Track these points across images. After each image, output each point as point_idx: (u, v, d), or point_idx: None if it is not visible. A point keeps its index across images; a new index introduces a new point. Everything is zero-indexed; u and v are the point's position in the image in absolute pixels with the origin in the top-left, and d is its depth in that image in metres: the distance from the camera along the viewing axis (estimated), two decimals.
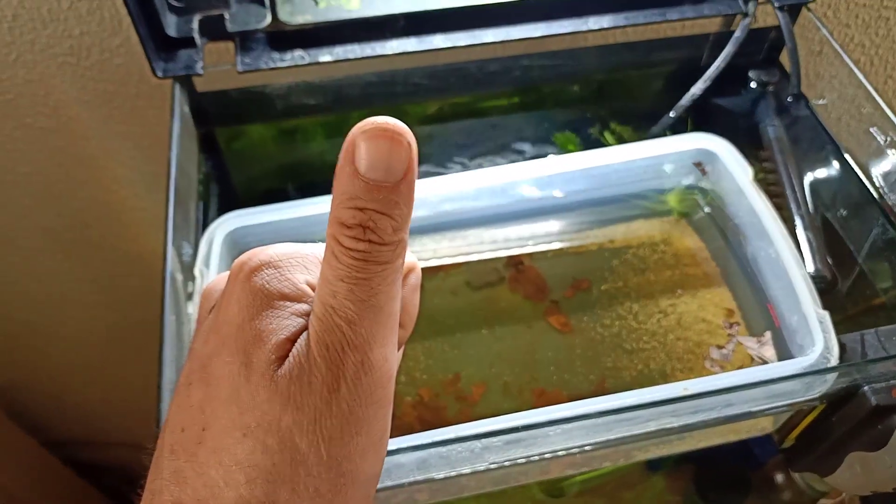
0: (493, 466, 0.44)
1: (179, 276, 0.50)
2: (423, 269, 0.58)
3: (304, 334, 0.24)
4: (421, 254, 0.59)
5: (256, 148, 0.66)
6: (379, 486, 0.43)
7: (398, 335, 0.26)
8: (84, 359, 1.11)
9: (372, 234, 0.23)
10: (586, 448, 0.45)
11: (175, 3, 0.55)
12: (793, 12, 0.65)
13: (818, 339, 0.47)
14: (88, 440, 1.30)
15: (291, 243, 0.26)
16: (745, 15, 0.63)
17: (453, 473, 0.43)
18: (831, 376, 0.46)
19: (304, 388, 0.23)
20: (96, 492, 1.30)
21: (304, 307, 0.24)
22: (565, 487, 0.70)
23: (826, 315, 0.49)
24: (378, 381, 0.24)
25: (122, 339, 1.07)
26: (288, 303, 0.24)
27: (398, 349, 0.28)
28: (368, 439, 0.24)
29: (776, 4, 0.63)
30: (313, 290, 0.25)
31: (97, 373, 1.14)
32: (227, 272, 0.26)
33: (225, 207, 0.57)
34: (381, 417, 0.24)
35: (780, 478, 0.81)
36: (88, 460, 1.29)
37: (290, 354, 0.23)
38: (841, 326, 0.52)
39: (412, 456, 0.41)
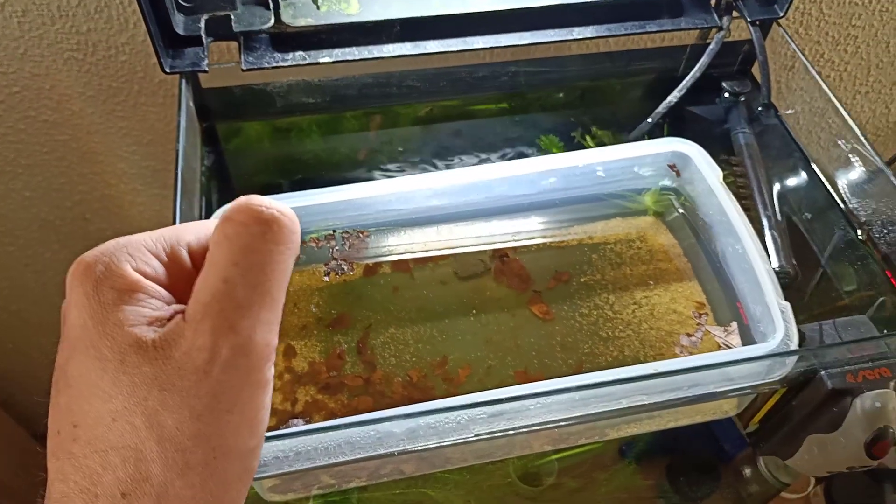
0: (477, 438, 0.47)
1: None
2: (414, 260, 0.61)
3: (179, 317, 0.25)
4: (411, 246, 0.62)
5: (255, 143, 0.69)
6: (368, 454, 0.46)
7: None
8: None
9: (271, 212, 0.25)
10: (563, 423, 0.48)
11: (184, 3, 0.58)
12: (764, 27, 0.69)
13: (779, 327, 0.51)
14: None
15: (116, 238, 0.27)
16: (720, 29, 0.68)
17: (441, 443, 0.46)
18: (790, 360, 0.50)
19: (171, 369, 0.24)
20: None
21: (140, 295, 0.25)
22: (542, 476, 0.74)
23: (787, 306, 0.52)
24: (256, 364, 0.25)
25: None
26: (125, 294, 0.25)
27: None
28: (242, 417, 0.25)
29: (749, 19, 0.67)
30: (143, 274, 0.26)
31: None
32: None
33: (224, 200, 0.60)
34: (257, 398, 0.26)
35: (748, 471, 0.85)
36: None
37: (153, 338, 0.24)
38: (804, 320, 0.56)
39: (403, 425, 0.44)
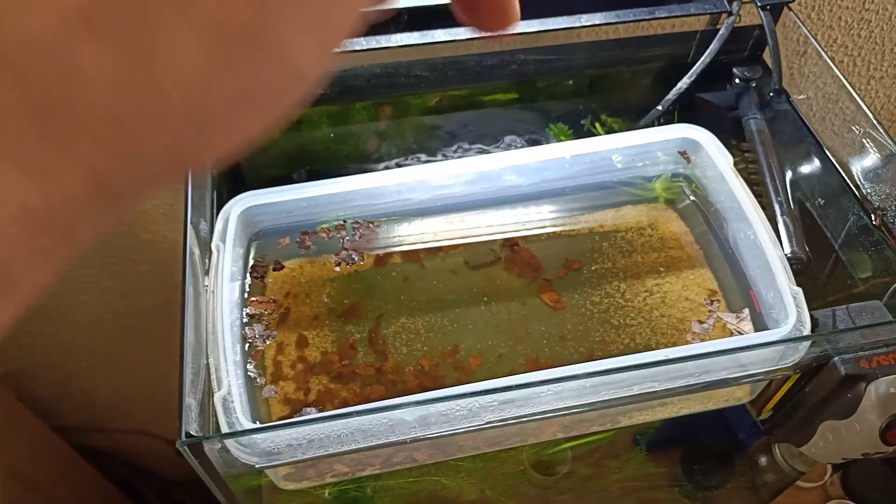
0: (489, 425, 0.47)
1: (196, 251, 0.53)
2: (424, 250, 0.62)
3: None
4: (422, 236, 0.62)
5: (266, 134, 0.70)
6: (380, 442, 0.47)
7: None
8: (92, 344, 1.14)
9: None
10: (575, 410, 0.48)
11: None
12: (775, 12, 0.69)
13: (791, 312, 0.51)
14: (93, 426, 1.33)
15: None
16: (730, 13, 0.67)
17: (453, 431, 0.47)
18: (803, 346, 0.50)
19: None
20: (101, 478, 1.32)
21: None
22: (555, 464, 0.74)
23: (799, 291, 0.52)
24: None
25: (131, 325, 1.10)
26: None
27: None
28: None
29: (759, 4, 0.67)
30: None
31: (104, 358, 1.17)
32: None
33: (235, 191, 0.60)
34: None
35: (763, 459, 0.85)
36: (93, 446, 1.32)
37: None
38: (818, 307, 0.55)
39: (415, 412, 0.45)
